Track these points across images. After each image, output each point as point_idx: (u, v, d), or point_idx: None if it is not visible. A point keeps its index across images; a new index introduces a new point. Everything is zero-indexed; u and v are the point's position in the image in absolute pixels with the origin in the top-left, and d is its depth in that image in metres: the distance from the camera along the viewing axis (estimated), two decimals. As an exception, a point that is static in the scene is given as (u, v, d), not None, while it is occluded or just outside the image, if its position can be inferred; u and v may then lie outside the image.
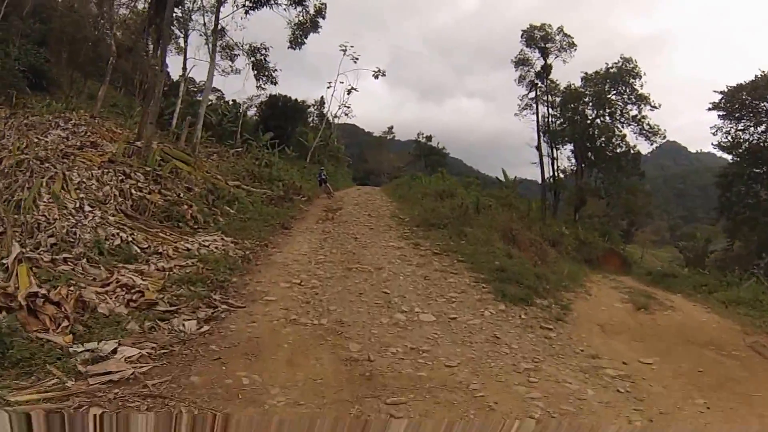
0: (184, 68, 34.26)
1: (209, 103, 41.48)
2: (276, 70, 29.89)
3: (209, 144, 25.99)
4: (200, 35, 32.17)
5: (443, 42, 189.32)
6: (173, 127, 29.14)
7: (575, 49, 43.40)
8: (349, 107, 37.50)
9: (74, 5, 35.76)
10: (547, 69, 44.73)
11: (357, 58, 35.04)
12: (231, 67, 36.48)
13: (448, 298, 8.44)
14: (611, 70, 40.89)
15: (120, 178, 12.60)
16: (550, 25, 43.61)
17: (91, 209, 10.78)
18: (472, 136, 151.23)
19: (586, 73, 42.76)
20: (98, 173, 12.45)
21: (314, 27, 23.58)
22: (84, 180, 11.94)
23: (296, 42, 22.90)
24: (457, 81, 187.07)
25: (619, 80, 40.67)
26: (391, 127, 62.81)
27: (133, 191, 12.24)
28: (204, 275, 8.30)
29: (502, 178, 37.23)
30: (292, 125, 39.48)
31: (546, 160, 45.73)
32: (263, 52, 27.30)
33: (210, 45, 21.21)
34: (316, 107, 49.83)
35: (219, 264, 9.28)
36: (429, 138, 55.45)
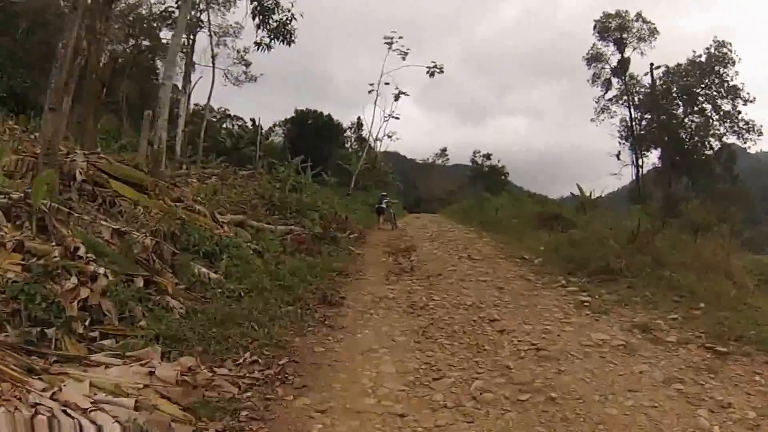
0: (186, 77, 27.70)
1: (213, 118, 35.04)
2: (294, 17, 16.65)
3: (213, 165, 18.75)
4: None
5: (483, 58, 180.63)
6: (178, 154, 22.48)
7: (656, 38, 35.72)
8: (398, 118, 29.80)
9: (64, 15, 29.34)
10: (624, 63, 36.84)
11: (407, 53, 27.43)
12: (245, 73, 29.82)
13: None
14: (699, 59, 33.38)
15: None
16: (627, 12, 36.22)
17: None
18: (519, 155, 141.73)
19: (667, 67, 35.08)
20: None
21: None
22: None
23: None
24: (497, 99, 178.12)
25: (708, 70, 33.03)
26: (444, 150, 54.92)
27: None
28: None
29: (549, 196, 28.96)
30: (327, 147, 32.11)
31: (630, 169, 37.77)
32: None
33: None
34: (353, 130, 42.72)
35: None
36: (487, 156, 47.46)
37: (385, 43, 27.81)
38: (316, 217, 12.37)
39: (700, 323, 5.59)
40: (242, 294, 6.35)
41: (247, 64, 30.43)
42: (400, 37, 27.65)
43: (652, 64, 32.89)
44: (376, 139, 32.71)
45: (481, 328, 5.74)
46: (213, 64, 24.23)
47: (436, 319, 6.14)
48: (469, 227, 18.35)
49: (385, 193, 20.90)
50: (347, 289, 7.74)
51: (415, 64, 28.45)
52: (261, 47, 15.18)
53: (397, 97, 28.62)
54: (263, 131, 34.33)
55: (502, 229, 15.83)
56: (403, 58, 27.59)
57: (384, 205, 18.77)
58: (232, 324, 5.42)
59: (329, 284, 7.82)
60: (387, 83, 28.10)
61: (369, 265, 10.11)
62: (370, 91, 28.48)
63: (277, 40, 13.78)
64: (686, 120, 35.06)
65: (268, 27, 14.30)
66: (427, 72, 27.50)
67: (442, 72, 27.49)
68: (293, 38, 13.62)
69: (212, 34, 25.49)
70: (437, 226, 19.58)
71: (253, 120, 34.55)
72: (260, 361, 4.73)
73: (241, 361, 4.70)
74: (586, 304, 6.55)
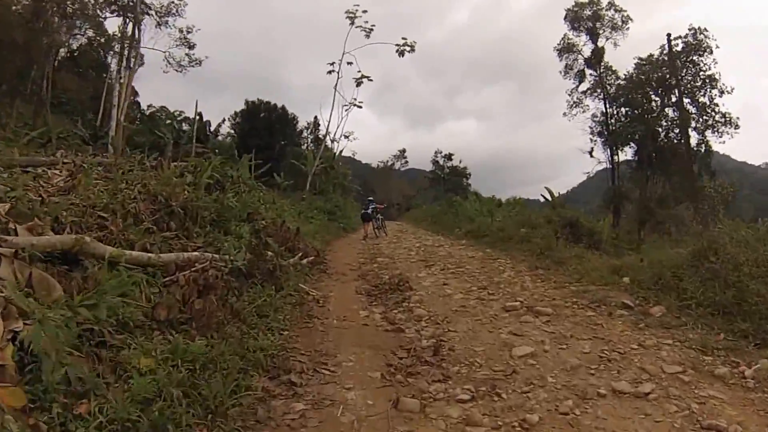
0: (122, 59, 22.05)
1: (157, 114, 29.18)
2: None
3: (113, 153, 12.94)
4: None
5: (432, 61, 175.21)
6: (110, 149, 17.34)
7: (629, 27, 31.14)
8: (360, 106, 24.12)
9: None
10: (598, 54, 32.37)
11: (371, 29, 22.03)
12: (189, 56, 24.31)
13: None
14: (675, 49, 27.83)
15: None
16: (598, 1, 31.50)
17: None
18: (469, 158, 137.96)
19: (640, 58, 29.85)
20: None
21: None
22: None
23: None
24: (448, 102, 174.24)
25: (684, 60, 27.95)
26: (403, 151, 49.72)
27: None
28: None
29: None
30: (280, 144, 26.35)
31: (590, 165, 33.76)
32: None
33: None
34: (310, 130, 36.93)
35: None
36: (449, 157, 42.58)
37: (347, 17, 22.24)
38: (246, 233, 6.85)
39: None
40: None
41: (191, 46, 25.17)
42: (365, 11, 22.15)
43: (669, 35, 27.60)
44: (333, 140, 27.03)
45: None
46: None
47: None
48: (458, 240, 13.30)
49: (371, 198, 17.45)
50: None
51: (380, 41, 22.78)
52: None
53: (359, 83, 23.03)
54: (211, 128, 28.50)
55: (511, 244, 10.85)
56: (367, 36, 22.10)
57: (371, 212, 15.34)
58: None
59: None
60: (350, 63, 22.47)
61: (336, 335, 4.66)
62: (329, 72, 22.72)
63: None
64: (661, 114, 30.32)
65: None
66: (397, 51, 22.19)
67: (414, 50, 22.25)
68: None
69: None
70: (415, 238, 14.42)
71: (200, 114, 28.48)
72: None
73: None
74: None
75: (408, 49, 22.14)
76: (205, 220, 6.65)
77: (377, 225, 15.45)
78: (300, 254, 7.98)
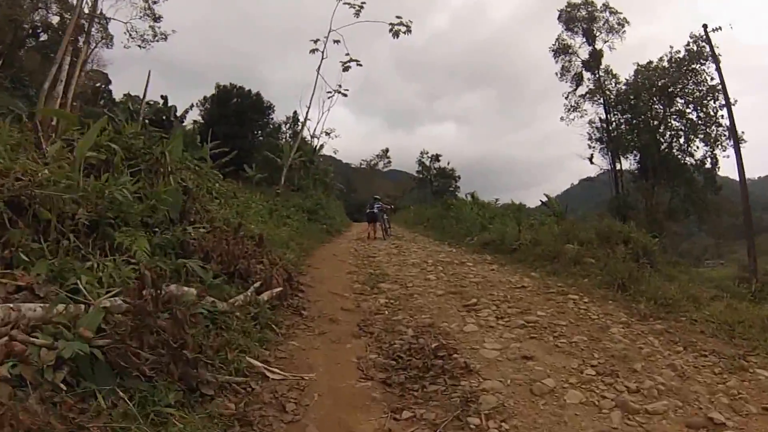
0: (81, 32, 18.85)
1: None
2: None
3: None
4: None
5: (413, 65, 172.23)
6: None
7: (625, 30, 29.36)
8: (346, 94, 20.87)
9: None
10: (596, 56, 30.40)
11: (361, 6, 18.90)
12: (153, 29, 21.40)
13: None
14: (677, 56, 26.96)
15: None
16: (592, 2, 29.92)
17: None
18: (451, 162, 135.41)
19: (638, 65, 28.67)
20: None
21: None
22: None
23: None
24: (427, 106, 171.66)
25: (685, 69, 26.70)
26: (387, 151, 46.65)
27: None
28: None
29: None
30: (253, 133, 22.98)
31: (592, 174, 31.78)
32: None
33: None
34: (288, 126, 33.53)
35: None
36: (436, 157, 39.60)
37: (333, -9, 19.01)
38: (144, 250, 3.61)
39: None
40: None
41: (156, 18, 22.08)
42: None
43: (705, 26, 24.84)
44: (312, 135, 23.79)
45: None
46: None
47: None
48: (477, 254, 10.22)
49: (377, 197, 16.28)
50: None
51: (371, 20, 19.53)
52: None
53: (346, 67, 19.74)
54: (177, 114, 24.96)
55: (559, 266, 7.85)
56: (357, 14, 18.92)
57: (376, 211, 14.61)
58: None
59: None
60: (337, 41, 19.18)
61: None
62: (312, 50, 19.37)
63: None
64: (662, 123, 28.49)
65: None
66: (390, 31, 19.02)
67: (410, 31, 19.09)
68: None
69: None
70: (419, 248, 11.35)
71: (165, 97, 24.93)
72: None
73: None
74: None
75: (403, 29, 18.98)
76: (66, 226, 3.40)
77: (385, 226, 14.49)
78: (260, 282, 4.78)
